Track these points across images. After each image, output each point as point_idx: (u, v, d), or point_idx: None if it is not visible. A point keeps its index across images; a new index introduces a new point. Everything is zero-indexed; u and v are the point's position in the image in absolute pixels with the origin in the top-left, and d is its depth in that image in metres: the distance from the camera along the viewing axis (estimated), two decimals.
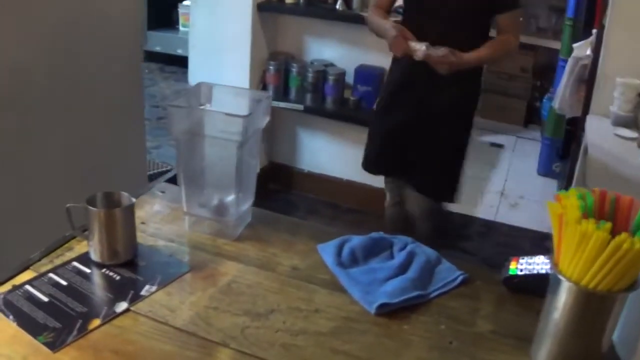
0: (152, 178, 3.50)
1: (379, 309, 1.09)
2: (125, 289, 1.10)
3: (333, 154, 3.49)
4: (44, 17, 1.87)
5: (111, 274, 1.13)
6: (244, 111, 1.19)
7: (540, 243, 3.48)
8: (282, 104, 3.28)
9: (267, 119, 1.25)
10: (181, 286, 1.12)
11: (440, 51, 2.03)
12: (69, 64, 1.98)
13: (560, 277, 0.95)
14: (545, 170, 4.25)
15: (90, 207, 1.12)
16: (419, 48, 2.03)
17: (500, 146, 4.62)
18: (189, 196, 1.24)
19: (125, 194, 1.16)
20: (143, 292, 1.09)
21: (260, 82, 3.32)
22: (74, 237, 1.22)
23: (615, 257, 0.88)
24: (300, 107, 3.26)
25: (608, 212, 0.98)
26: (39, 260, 1.16)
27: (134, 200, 1.14)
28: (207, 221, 1.26)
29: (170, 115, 1.16)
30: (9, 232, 1.85)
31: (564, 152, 3.89)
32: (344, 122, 3.28)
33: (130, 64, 2.27)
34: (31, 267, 1.14)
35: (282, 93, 3.32)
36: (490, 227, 3.60)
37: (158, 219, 1.32)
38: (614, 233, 0.89)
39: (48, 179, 1.97)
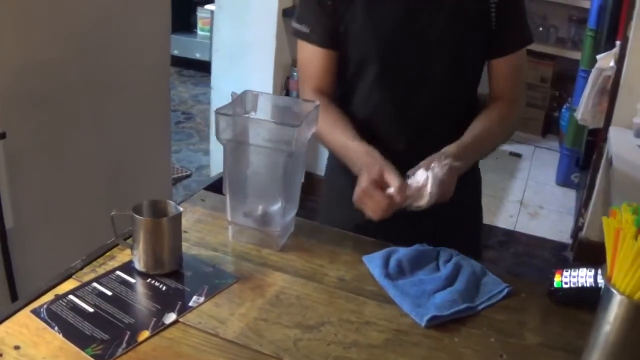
0: (173, 182, 3.50)
1: (429, 322, 1.08)
2: (172, 299, 1.08)
3: None
4: (76, 16, 1.87)
5: (157, 284, 1.12)
6: (290, 120, 1.18)
7: (559, 254, 3.47)
8: None
9: (314, 129, 1.23)
10: (229, 297, 1.10)
11: (440, 172, 1.21)
12: (99, 64, 1.98)
13: (614, 290, 0.94)
14: (564, 180, 4.23)
15: (137, 216, 1.10)
16: (416, 193, 1.21)
17: (518, 155, 4.59)
18: (234, 205, 1.23)
19: (171, 203, 1.15)
20: (191, 303, 1.07)
21: (283, 89, 3.30)
22: (116, 245, 1.21)
23: None
24: None
25: None
26: (81, 269, 1.15)
27: (180, 209, 1.13)
28: (250, 231, 1.24)
29: (217, 122, 1.14)
30: (39, 236, 1.84)
31: (585, 163, 3.87)
32: None
33: (158, 67, 2.27)
34: (73, 276, 1.13)
35: None
36: (510, 237, 3.58)
37: (200, 228, 1.30)
38: None
39: (74, 180, 1.97)
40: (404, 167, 1.25)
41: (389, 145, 1.39)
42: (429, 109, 1.41)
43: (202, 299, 1.08)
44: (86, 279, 1.12)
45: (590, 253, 2.81)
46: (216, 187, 1.45)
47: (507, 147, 4.63)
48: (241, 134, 1.17)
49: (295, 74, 3.23)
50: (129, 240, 1.16)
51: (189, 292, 1.10)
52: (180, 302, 1.07)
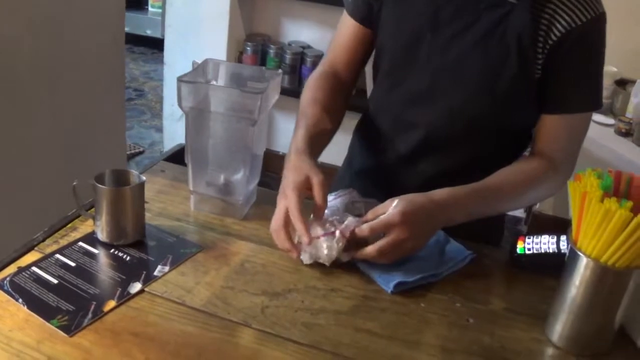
0: (127, 159, 3.43)
1: (396, 288, 1.09)
2: (137, 269, 1.06)
3: None
4: None
5: (120, 254, 1.10)
6: (254, 88, 1.17)
7: (513, 227, 3.53)
8: None
9: (277, 97, 1.22)
10: (194, 266, 1.09)
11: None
12: (53, 41, 1.92)
13: (580, 253, 0.96)
14: None
15: (99, 185, 1.07)
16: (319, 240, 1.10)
17: None
18: (196, 174, 1.21)
19: (134, 172, 1.12)
20: (156, 273, 1.05)
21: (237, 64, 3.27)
22: (77, 216, 1.18)
23: (636, 234, 0.90)
24: None
25: (623, 191, 1.00)
26: (43, 240, 1.12)
27: (143, 178, 1.11)
28: (213, 200, 1.23)
29: (179, 90, 1.12)
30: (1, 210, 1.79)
31: None
32: None
33: (113, 43, 2.21)
34: (35, 248, 1.10)
35: None
36: None
37: (162, 199, 1.28)
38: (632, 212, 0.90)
39: (29, 156, 1.91)
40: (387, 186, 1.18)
41: (379, 159, 1.36)
42: (428, 136, 1.28)
43: (167, 268, 1.07)
44: (49, 250, 1.09)
45: (543, 226, 2.87)
46: (176, 158, 1.43)
47: None
48: (203, 102, 1.15)
49: (248, 49, 3.19)
50: (91, 211, 1.14)
51: (153, 262, 1.08)
52: (145, 272, 1.05)
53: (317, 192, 1.10)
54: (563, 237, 1.18)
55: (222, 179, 1.23)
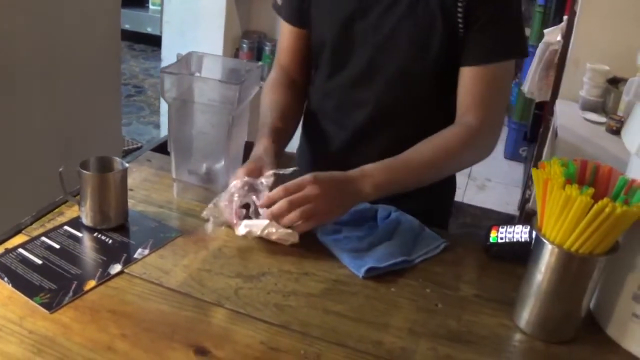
0: (124, 155, 3.47)
1: (367, 273, 1.12)
2: (118, 252, 1.11)
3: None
4: None
5: (103, 237, 1.14)
6: (236, 80, 1.21)
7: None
8: None
9: (257, 88, 1.26)
10: (173, 250, 1.13)
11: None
12: (50, 37, 1.96)
13: (544, 240, 0.99)
14: (511, 154, 4.33)
15: (84, 171, 1.12)
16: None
17: None
18: (178, 163, 1.25)
19: (117, 159, 1.17)
20: (136, 255, 1.10)
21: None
22: (65, 202, 1.23)
23: (597, 220, 0.92)
24: None
25: (588, 180, 1.03)
26: (31, 224, 1.17)
27: (126, 165, 1.15)
28: (195, 188, 1.27)
29: (162, 81, 1.16)
30: None
31: (531, 135, 3.97)
32: None
33: (109, 40, 2.25)
34: (23, 231, 1.14)
35: None
36: (457, 208, 3.66)
37: (146, 186, 1.33)
38: (594, 199, 0.93)
39: (26, 150, 1.96)
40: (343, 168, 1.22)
41: (331, 142, 1.40)
42: (374, 111, 1.32)
43: (146, 251, 1.11)
44: (35, 233, 1.14)
45: None
46: (163, 148, 1.47)
47: None
48: (186, 93, 1.19)
49: (244, 45, 3.23)
50: (77, 197, 1.18)
51: (134, 245, 1.13)
52: (125, 254, 1.10)
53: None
54: None
55: (204, 167, 1.27)
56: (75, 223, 1.17)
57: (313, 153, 1.49)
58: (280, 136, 1.29)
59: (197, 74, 1.26)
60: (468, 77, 1.23)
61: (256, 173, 1.16)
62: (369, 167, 1.20)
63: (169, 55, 3.37)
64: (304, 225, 1.15)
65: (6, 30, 1.80)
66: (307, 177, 1.14)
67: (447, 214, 1.55)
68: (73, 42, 2.06)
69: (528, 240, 1.19)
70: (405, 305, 1.07)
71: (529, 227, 1.21)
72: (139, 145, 3.82)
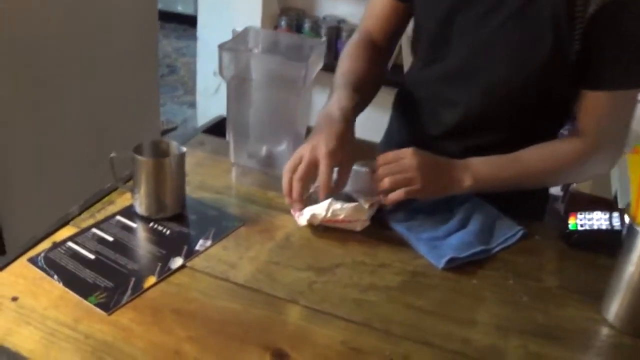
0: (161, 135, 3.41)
1: (447, 264, 1.04)
2: (177, 244, 1.02)
3: None
4: None
5: (160, 228, 1.06)
6: (297, 57, 1.12)
7: (550, 206, 3.45)
8: None
9: (320, 66, 1.17)
10: (237, 241, 1.05)
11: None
12: (86, 18, 1.89)
13: (638, 229, 0.91)
14: None
15: (139, 157, 1.04)
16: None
17: None
18: (237, 146, 1.17)
19: (174, 143, 1.08)
20: (197, 247, 1.02)
21: None
22: (114, 189, 1.15)
23: None
24: None
25: None
26: (79, 214, 1.09)
27: (184, 149, 1.07)
28: (255, 172, 1.19)
29: (221, 58, 1.07)
30: (34, 186, 1.78)
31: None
32: None
33: (145, 21, 2.17)
34: (71, 223, 1.06)
35: None
36: None
37: (201, 172, 1.24)
38: None
39: (64, 133, 1.90)
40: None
41: (417, 132, 1.32)
42: (464, 114, 1.23)
43: (209, 243, 1.03)
44: (84, 225, 1.06)
45: (580, 205, 2.79)
46: (214, 130, 1.39)
47: None
48: (245, 71, 1.10)
49: (282, 23, 3.13)
50: (129, 184, 1.10)
51: (194, 236, 1.04)
52: (186, 246, 1.01)
53: (342, 173, 1.09)
54: (615, 214, 1.14)
55: (264, 150, 1.19)
56: (128, 212, 1.09)
57: (400, 141, 1.38)
58: (360, 101, 1.18)
59: (256, 50, 1.17)
60: (589, 99, 1.14)
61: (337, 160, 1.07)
62: (474, 160, 1.15)
63: (205, 35, 3.28)
64: (395, 195, 1.08)
65: (40, 12, 1.72)
66: (407, 149, 1.10)
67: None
68: (110, 24, 1.99)
69: (609, 228, 1.12)
70: (489, 298, 1.00)
71: (608, 213, 1.14)
72: (175, 125, 3.75)
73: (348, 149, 1.07)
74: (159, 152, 1.08)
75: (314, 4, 3.25)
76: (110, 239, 1.02)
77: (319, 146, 1.04)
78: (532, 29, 1.10)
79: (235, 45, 1.12)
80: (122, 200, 1.13)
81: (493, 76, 1.17)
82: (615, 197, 2.01)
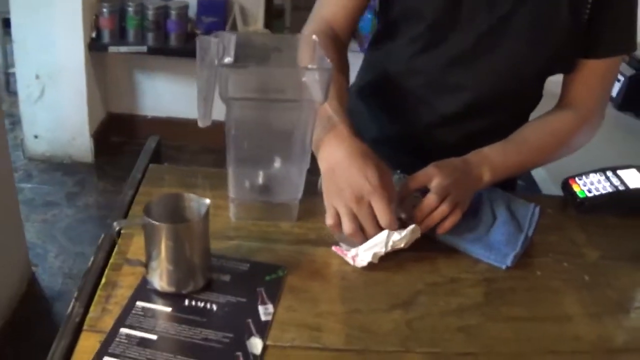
0: None
1: (513, 261, 0.98)
2: (236, 319, 0.82)
3: (178, 94, 3.21)
4: None
5: (200, 304, 0.84)
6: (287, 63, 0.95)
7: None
8: (123, 49, 2.89)
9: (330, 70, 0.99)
10: (296, 296, 0.87)
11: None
12: None
13: None
14: None
15: (157, 223, 0.81)
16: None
17: None
18: (238, 178, 0.98)
19: (191, 196, 0.87)
20: (263, 317, 0.83)
21: (92, 29, 2.85)
22: (105, 266, 0.89)
23: None
24: (143, 48, 2.89)
25: None
26: (86, 312, 0.81)
27: (207, 201, 0.85)
28: (255, 205, 1.01)
29: (221, 78, 0.87)
30: None
31: None
32: (191, 58, 2.94)
33: None
34: (85, 328, 0.79)
35: (119, 36, 2.90)
36: None
37: None
38: None
39: None
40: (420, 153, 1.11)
41: (409, 124, 1.23)
42: (471, 99, 1.16)
43: (270, 307, 0.84)
44: (104, 325, 0.79)
45: None
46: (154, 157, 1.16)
47: None
48: (253, 89, 0.91)
49: (104, 10, 2.79)
50: (132, 255, 0.87)
51: (248, 304, 0.85)
52: (250, 320, 0.82)
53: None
54: (609, 173, 1.17)
55: (260, 177, 1.01)
56: (145, 293, 0.85)
57: (377, 133, 1.27)
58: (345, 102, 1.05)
59: (229, 59, 0.97)
60: (588, 69, 1.13)
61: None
62: (485, 151, 1.09)
63: (22, 36, 2.79)
64: (454, 217, 0.98)
65: None
66: (430, 166, 1.01)
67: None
68: None
69: (616, 189, 1.15)
70: (561, 287, 0.96)
71: (602, 174, 1.18)
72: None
73: (387, 171, 0.95)
74: (173, 208, 0.86)
75: None
76: (153, 337, 0.79)
77: (361, 184, 0.91)
78: (548, 10, 1.06)
79: (215, 58, 0.91)
80: (125, 279, 0.87)
81: (502, 60, 1.11)
82: None
